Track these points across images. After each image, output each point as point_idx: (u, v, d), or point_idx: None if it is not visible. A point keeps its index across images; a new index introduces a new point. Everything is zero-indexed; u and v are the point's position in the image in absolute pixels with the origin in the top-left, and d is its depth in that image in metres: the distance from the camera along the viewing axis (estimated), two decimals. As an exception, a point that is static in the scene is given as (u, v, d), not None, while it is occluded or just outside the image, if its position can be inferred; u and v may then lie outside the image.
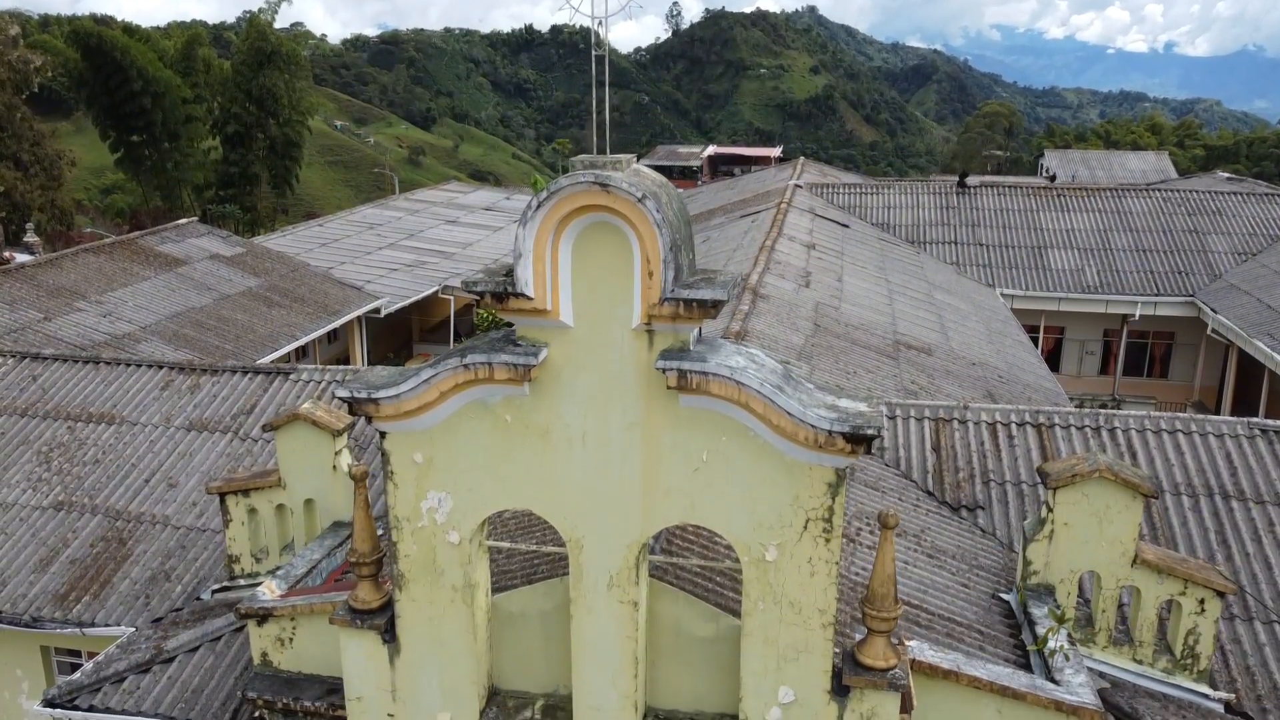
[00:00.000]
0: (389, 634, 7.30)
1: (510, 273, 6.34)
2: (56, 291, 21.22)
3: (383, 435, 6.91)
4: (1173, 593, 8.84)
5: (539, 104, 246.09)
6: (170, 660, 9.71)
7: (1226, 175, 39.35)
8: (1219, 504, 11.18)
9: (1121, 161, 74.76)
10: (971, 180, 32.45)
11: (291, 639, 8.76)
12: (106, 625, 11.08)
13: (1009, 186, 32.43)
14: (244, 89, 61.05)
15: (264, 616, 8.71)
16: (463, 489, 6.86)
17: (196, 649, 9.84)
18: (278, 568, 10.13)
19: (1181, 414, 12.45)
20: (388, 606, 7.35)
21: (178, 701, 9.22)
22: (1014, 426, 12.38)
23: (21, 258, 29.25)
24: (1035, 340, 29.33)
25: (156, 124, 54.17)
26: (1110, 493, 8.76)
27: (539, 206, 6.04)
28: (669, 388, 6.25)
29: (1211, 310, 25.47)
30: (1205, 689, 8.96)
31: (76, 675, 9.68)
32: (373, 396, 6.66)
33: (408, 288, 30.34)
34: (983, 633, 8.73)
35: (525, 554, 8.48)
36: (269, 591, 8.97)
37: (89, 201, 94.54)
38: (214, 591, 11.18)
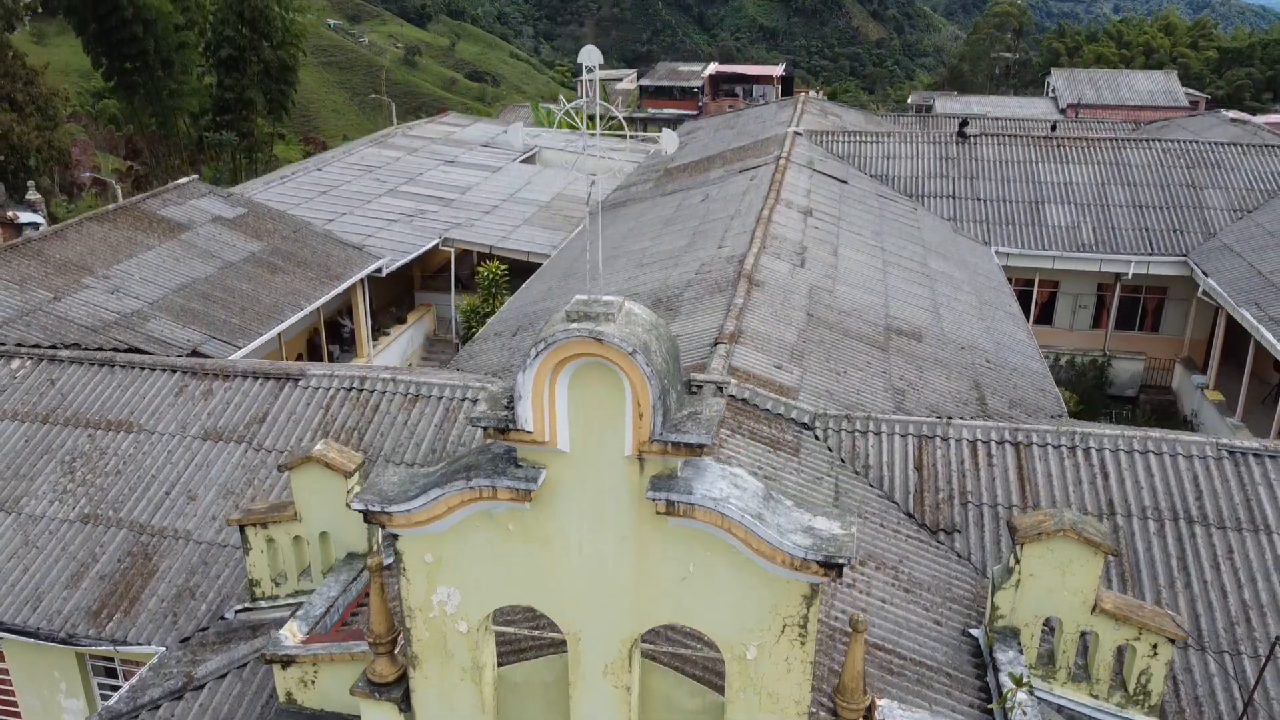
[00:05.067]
0: (405, 704, 8.01)
1: (511, 402, 6.83)
2: (64, 267, 21.56)
3: (395, 536, 7.49)
4: (1128, 637, 9.53)
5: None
6: (201, 687, 10.49)
7: (1230, 116, 38.99)
8: (1183, 529, 11.82)
9: (1129, 82, 73.68)
10: (971, 129, 32.31)
11: (314, 680, 9.52)
12: (138, 644, 11.86)
13: (1009, 136, 32.31)
14: (235, 10, 60.02)
15: (287, 661, 9.46)
16: (470, 585, 7.48)
17: (225, 676, 10.60)
18: (298, 606, 10.84)
19: (1154, 433, 12.99)
20: (403, 679, 8.05)
21: (210, 730, 10.02)
22: (993, 445, 12.95)
23: (25, 216, 29.48)
24: (1029, 294, 29.75)
25: (149, 52, 53.43)
26: (1073, 549, 9.37)
27: (536, 356, 6.50)
28: (658, 513, 6.80)
29: (1203, 273, 25.79)
30: (1155, 722, 9.74)
31: (114, 701, 10.48)
32: (386, 510, 7.22)
33: (407, 241, 30.56)
34: (951, 676, 9.46)
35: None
36: (291, 636, 9.68)
37: (81, 108, 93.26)
38: (237, 611, 11.92)
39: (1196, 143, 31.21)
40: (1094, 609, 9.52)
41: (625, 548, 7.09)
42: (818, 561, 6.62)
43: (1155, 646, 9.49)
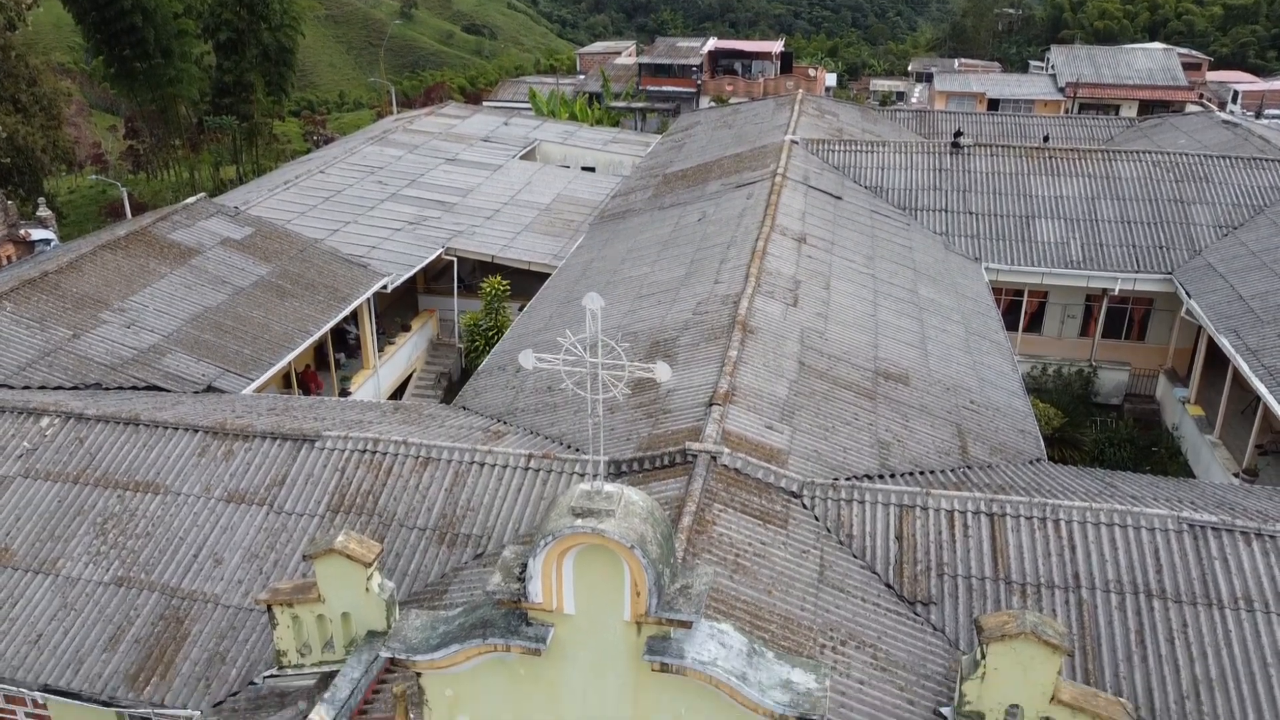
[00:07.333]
0: (427, 812, 8.96)
1: (523, 573, 7.67)
2: (81, 301, 22.27)
3: (419, 674, 8.38)
4: (1083, 725, 10.49)
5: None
6: (236, 762, 11.47)
7: (1222, 118, 39.37)
8: (1142, 602, 12.74)
9: (1128, 60, 73.63)
10: (965, 140, 32.78)
11: (341, 767, 10.48)
12: (174, 708, 12.83)
13: (1001, 148, 32.79)
14: (233, -8, 60.05)
15: (318, 751, 10.40)
16: (485, 717, 8.38)
17: (258, 750, 11.58)
18: (323, 681, 11.77)
19: (1118, 505, 13.87)
20: (426, 789, 8.98)
21: (247, 806, 11.01)
22: (969, 515, 13.83)
23: (38, 234, 30.11)
24: (1019, 304, 30.50)
25: (148, 40, 53.55)
26: (1033, 649, 10.28)
27: (545, 546, 7.33)
28: (653, 671, 7.68)
29: (1186, 294, 26.51)
30: (1106, 801, 10.71)
31: (158, 773, 11.46)
32: (412, 658, 8.10)
33: (410, 253, 31.19)
34: (920, 762, 10.43)
35: None
36: (320, 724, 10.62)
37: (74, 65, 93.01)
38: (266, 677, 12.87)
39: (1185, 155, 31.72)
40: (1053, 699, 10.46)
41: (624, 695, 7.98)
42: (796, 717, 7.51)
43: (1107, 735, 10.43)
